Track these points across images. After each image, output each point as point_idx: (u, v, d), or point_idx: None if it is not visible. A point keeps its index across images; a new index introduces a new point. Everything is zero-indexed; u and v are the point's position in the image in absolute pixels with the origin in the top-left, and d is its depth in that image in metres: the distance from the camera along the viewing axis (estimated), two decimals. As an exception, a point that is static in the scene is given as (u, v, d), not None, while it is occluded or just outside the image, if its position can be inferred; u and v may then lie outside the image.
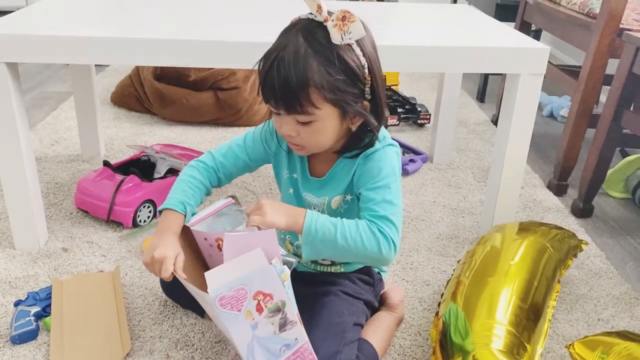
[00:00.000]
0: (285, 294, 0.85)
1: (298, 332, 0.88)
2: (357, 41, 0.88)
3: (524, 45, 1.29)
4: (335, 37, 0.86)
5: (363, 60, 0.89)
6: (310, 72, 0.85)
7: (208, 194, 1.08)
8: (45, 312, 1.13)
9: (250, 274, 0.83)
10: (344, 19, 0.86)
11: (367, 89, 0.92)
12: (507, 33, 1.42)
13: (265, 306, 0.84)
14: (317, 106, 0.88)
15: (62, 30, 1.21)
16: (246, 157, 1.08)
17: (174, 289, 1.16)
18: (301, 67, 0.85)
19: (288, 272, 0.86)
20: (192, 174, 1.06)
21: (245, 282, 0.83)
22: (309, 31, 0.87)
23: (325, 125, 0.91)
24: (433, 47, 1.25)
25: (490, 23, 1.55)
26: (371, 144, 0.98)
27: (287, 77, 0.85)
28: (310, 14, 0.89)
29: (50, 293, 1.17)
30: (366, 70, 0.90)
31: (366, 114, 0.93)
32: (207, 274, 0.83)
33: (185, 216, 1.00)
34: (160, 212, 1.01)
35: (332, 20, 0.86)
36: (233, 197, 1.07)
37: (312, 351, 0.90)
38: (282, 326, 0.87)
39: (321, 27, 0.87)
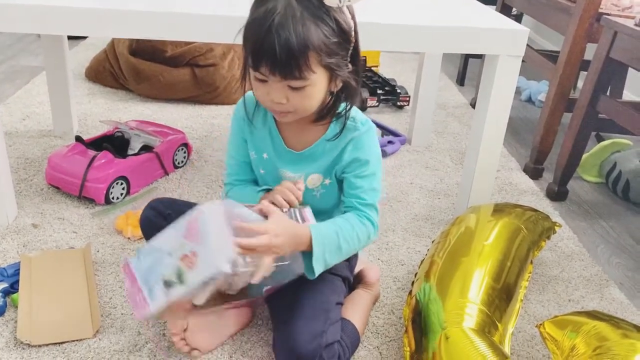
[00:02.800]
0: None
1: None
2: None
3: (503, 26, 1.28)
4: (332, 0, 0.84)
5: (351, 22, 0.89)
6: (310, 34, 0.83)
7: None
8: (13, 288, 1.10)
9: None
10: None
11: (353, 51, 0.91)
12: (487, 14, 1.42)
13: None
14: (313, 70, 0.86)
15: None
16: (245, 158, 1.06)
17: (151, 229, 1.09)
18: (301, 30, 0.83)
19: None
20: (244, 194, 1.05)
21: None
22: None
23: (316, 90, 0.90)
24: (412, 26, 1.24)
25: (471, 4, 1.54)
26: (347, 114, 0.97)
27: (289, 42, 0.82)
28: None
29: (19, 269, 1.14)
30: (353, 32, 0.90)
31: (351, 78, 0.92)
32: None
33: None
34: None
35: None
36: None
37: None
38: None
39: None
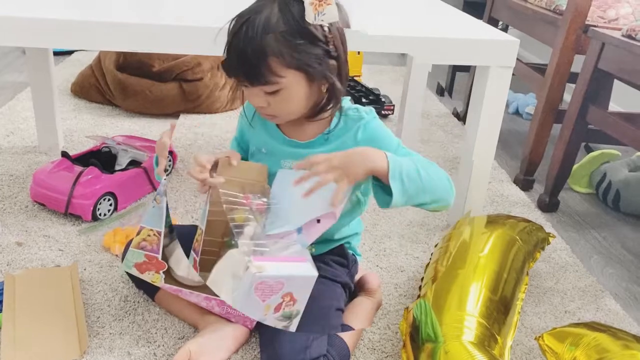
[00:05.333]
0: (304, 306, 0.87)
1: None
2: None
3: (494, 37, 1.28)
4: (309, 15, 0.86)
5: (326, 28, 0.89)
6: (268, 41, 0.85)
7: None
8: (-4, 308, 1.07)
9: (296, 275, 0.83)
10: None
11: (332, 47, 0.90)
12: (477, 26, 1.42)
13: (284, 309, 0.85)
14: (280, 75, 0.87)
15: (16, 11, 1.14)
16: (239, 150, 1.09)
17: None
18: (259, 37, 0.85)
19: None
20: None
21: (287, 280, 0.83)
22: (285, 3, 0.87)
23: (294, 92, 0.91)
24: (405, 37, 1.23)
25: (461, 16, 1.54)
26: (336, 105, 0.97)
27: (245, 49, 0.86)
28: None
29: (2, 289, 1.10)
30: (326, 29, 0.89)
31: (330, 76, 0.91)
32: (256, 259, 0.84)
33: None
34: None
35: None
36: None
37: None
38: None
39: (298, 1, 0.87)
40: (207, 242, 1.02)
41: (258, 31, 0.85)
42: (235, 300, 0.87)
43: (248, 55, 0.85)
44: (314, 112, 0.97)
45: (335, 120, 0.99)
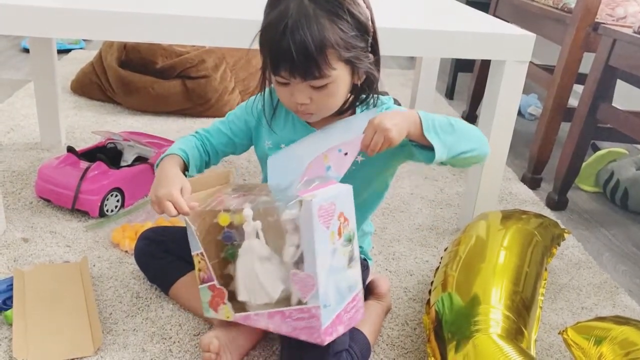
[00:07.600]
0: (355, 225, 0.84)
1: (358, 274, 0.87)
2: None
3: (510, 32, 1.28)
4: None
5: (367, 12, 0.88)
6: (326, 32, 0.83)
7: (206, 162, 1.05)
8: (5, 304, 1.03)
9: (338, 193, 0.82)
10: None
11: (371, 40, 0.90)
12: (490, 21, 1.42)
13: (343, 231, 0.82)
14: (333, 67, 0.85)
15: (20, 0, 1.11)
16: (229, 132, 1.05)
17: (146, 258, 1.12)
18: (316, 29, 0.82)
19: None
20: (184, 140, 1.03)
21: (336, 198, 0.81)
22: None
23: (339, 86, 0.89)
24: (422, 30, 1.22)
25: (473, 12, 1.54)
26: (375, 101, 0.96)
27: (304, 43, 0.82)
28: None
29: (11, 285, 1.07)
30: (370, 22, 0.89)
31: (373, 69, 0.91)
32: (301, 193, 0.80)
33: (185, 162, 0.98)
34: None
35: None
36: None
37: (363, 304, 0.89)
38: (350, 260, 0.84)
39: None
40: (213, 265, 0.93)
41: (311, 24, 0.82)
42: (307, 247, 0.79)
43: (308, 49, 0.82)
44: (345, 107, 0.95)
45: (360, 111, 0.98)
